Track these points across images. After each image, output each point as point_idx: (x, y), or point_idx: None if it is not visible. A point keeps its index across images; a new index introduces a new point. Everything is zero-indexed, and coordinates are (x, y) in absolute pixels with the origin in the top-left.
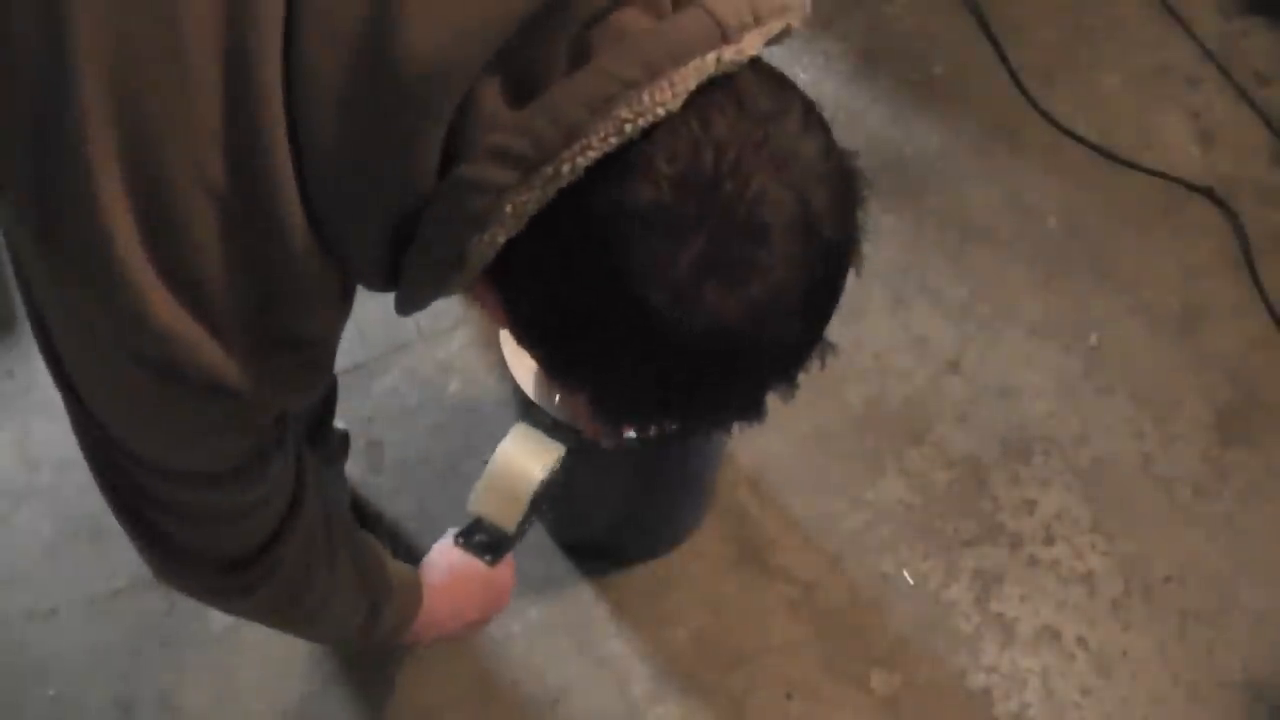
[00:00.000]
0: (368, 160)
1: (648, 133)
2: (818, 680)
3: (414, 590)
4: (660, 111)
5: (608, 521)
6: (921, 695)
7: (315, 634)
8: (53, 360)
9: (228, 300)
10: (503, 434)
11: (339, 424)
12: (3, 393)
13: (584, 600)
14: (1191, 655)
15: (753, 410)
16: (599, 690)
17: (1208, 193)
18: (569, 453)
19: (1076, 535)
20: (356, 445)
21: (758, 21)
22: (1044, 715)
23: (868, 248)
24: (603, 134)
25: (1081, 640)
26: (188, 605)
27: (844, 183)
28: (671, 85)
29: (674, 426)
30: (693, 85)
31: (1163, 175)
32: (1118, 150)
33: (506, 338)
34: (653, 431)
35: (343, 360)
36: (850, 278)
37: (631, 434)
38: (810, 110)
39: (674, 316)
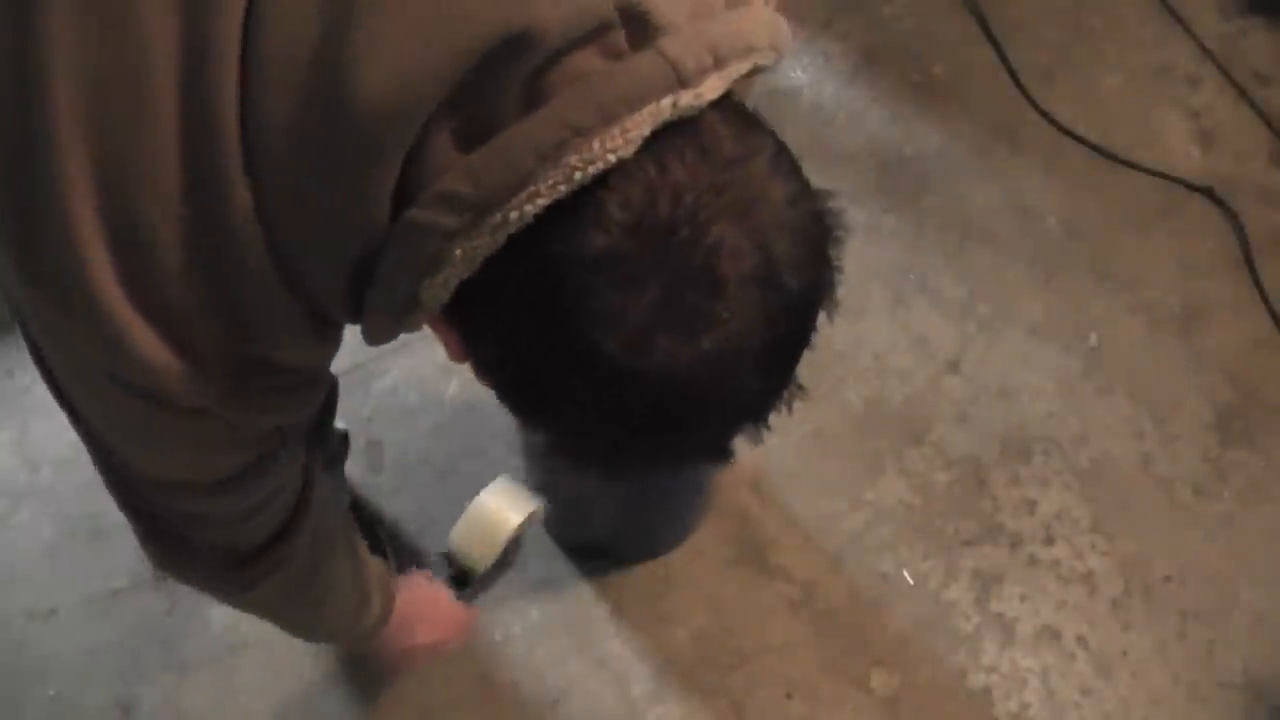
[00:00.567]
0: (322, 199)
1: (603, 178)
2: (818, 680)
3: (389, 590)
4: (611, 158)
5: (608, 522)
6: (921, 695)
7: (309, 628)
8: (46, 375)
9: (201, 329)
10: (503, 434)
11: (339, 424)
12: (3, 393)
13: (584, 600)
14: (1191, 655)
15: (719, 454)
16: (599, 690)
17: (1208, 193)
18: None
19: (1076, 535)
20: (356, 445)
21: (718, 64)
22: (1044, 715)
23: (868, 248)
24: (552, 181)
25: (1081, 640)
26: (188, 605)
27: (813, 229)
28: (624, 132)
29: (639, 470)
30: (646, 131)
31: (1163, 175)
32: (1118, 150)
33: None
34: (619, 475)
35: (343, 360)
36: (850, 279)
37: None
38: (780, 153)
39: (626, 365)
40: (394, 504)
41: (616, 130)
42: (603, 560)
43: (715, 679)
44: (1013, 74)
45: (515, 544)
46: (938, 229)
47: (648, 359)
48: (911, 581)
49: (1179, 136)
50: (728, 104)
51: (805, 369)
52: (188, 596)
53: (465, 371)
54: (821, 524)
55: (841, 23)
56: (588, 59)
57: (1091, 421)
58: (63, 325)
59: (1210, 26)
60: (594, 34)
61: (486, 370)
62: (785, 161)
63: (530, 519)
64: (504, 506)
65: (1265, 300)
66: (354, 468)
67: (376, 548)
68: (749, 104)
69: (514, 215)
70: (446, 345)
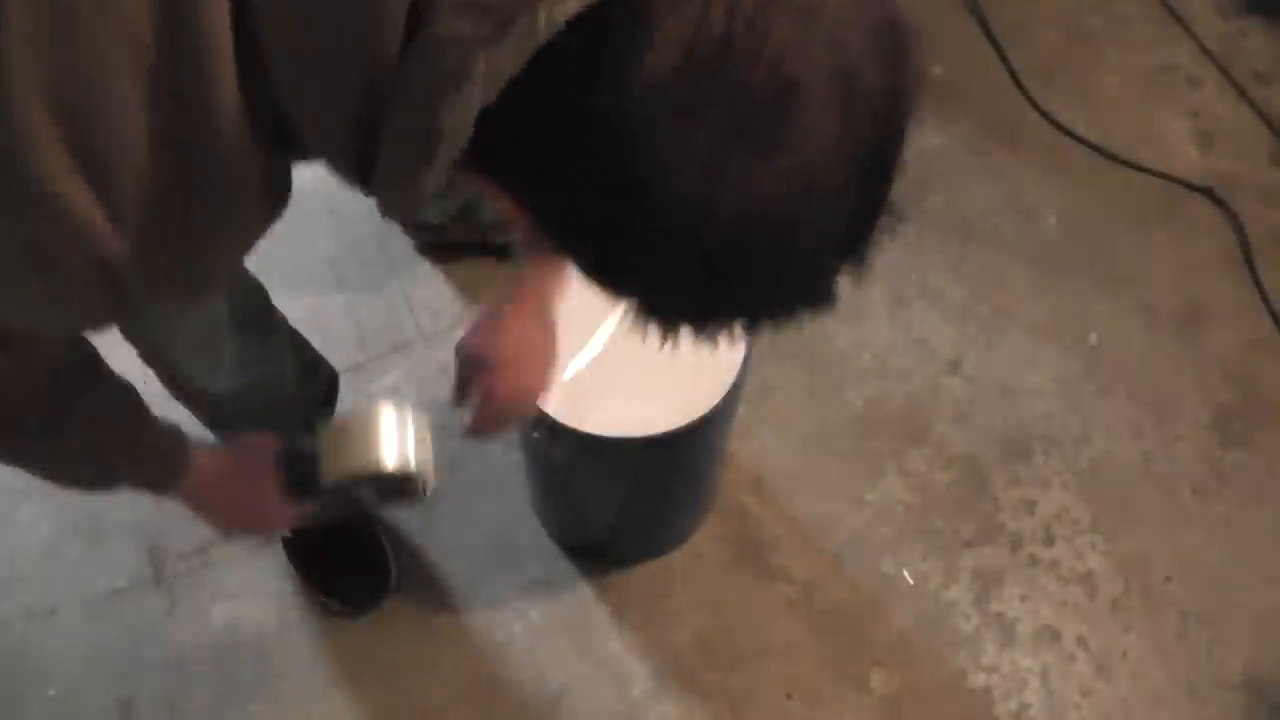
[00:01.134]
0: (326, 25)
1: None
2: (818, 680)
3: (169, 463)
4: None
5: (608, 522)
6: (921, 695)
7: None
8: None
9: (140, 181)
10: (503, 434)
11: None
12: None
13: (584, 600)
14: (1191, 655)
15: (821, 296)
16: (599, 690)
17: (1208, 193)
18: (425, 489)
19: (1076, 535)
20: None
21: None
22: (1044, 715)
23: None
24: None
25: (1081, 640)
26: (188, 605)
27: (887, 23)
28: None
29: (738, 324)
30: None
31: (1162, 175)
32: (1118, 150)
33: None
34: (717, 333)
35: (343, 360)
36: (849, 280)
37: (692, 336)
38: None
39: (702, 202)
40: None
41: None
42: (603, 560)
43: (715, 679)
44: (1013, 74)
45: (377, 481)
46: (938, 229)
47: (722, 189)
48: (911, 581)
49: (1179, 136)
50: None
51: (806, 369)
52: (188, 596)
53: None
54: (821, 524)
55: None
56: None
57: (1091, 421)
58: None
59: (1210, 26)
60: None
61: (553, 234)
62: None
63: (408, 471)
64: (395, 438)
65: (1265, 300)
66: None
67: (376, 547)
68: None
69: (542, 20)
70: (497, 202)
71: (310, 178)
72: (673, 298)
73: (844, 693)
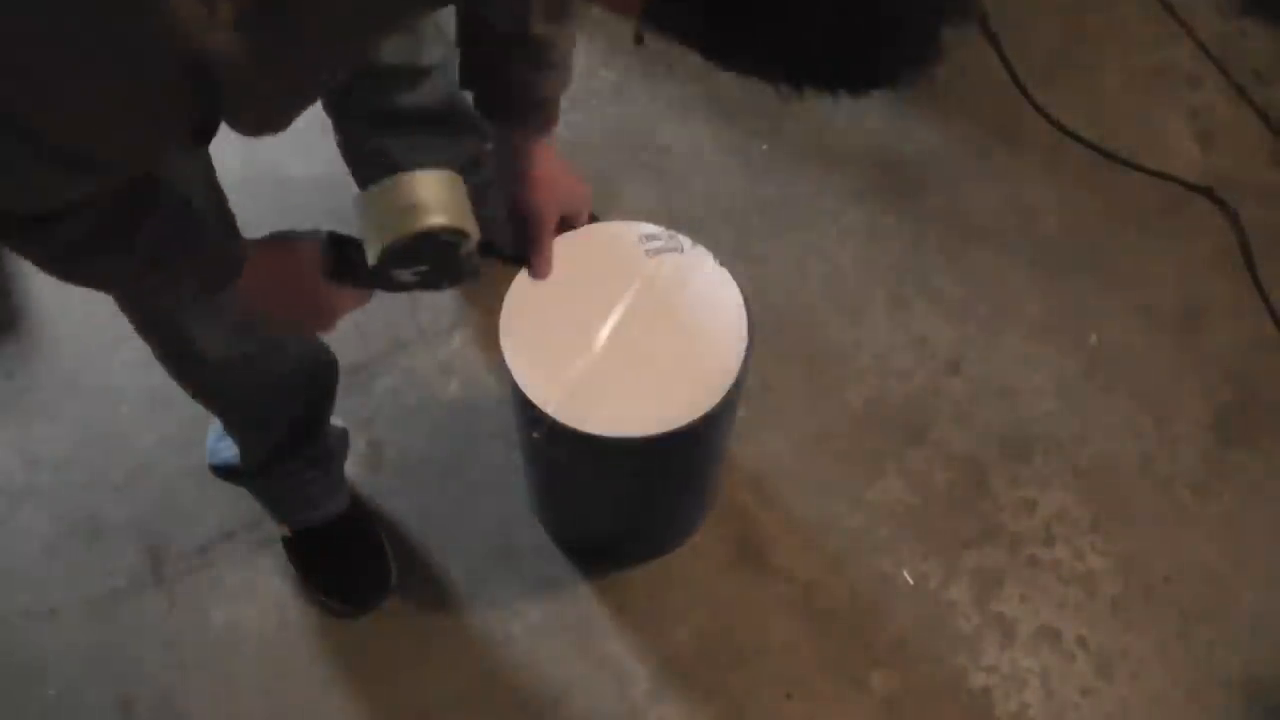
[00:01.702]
0: None
1: None
2: (818, 680)
3: (227, 265)
4: None
5: (608, 522)
6: (921, 695)
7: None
8: None
9: None
10: (504, 434)
11: (338, 422)
12: (3, 393)
13: (584, 600)
14: (1191, 655)
15: (929, 47)
16: (599, 690)
17: (1208, 193)
18: (474, 242)
19: (1076, 535)
20: (356, 445)
21: None
22: (1044, 715)
23: (868, 248)
24: None
25: (1081, 640)
26: (188, 605)
27: None
28: None
29: (838, 80)
30: None
31: (1162, 175)
32: (1118, 150)
33: (507, 336)
34: (823, 86)
35: (343, 360)
36: (850, 279)
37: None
38: None
39: None
40: (394, 504)
41: None
42: (603, 560)
43: (715, 679)
44: (1013, 74)
45: (438, 248)
46: (938, 229)
47: None
48: (911, 581)
49: (1179, 136)
50: None
51: (806, 369)
52: (188, 596)
53: (465, 371)
54: (821, 524)
55: None
56: None
57: (1091, 421)
58: None
59: (1210, 26)
60: None
61: None
62: None
63: (464, 227)
64: (440, 198)
65: (1265, 300)
66: (354, 468)
67: (375, 547)
68: None
69: None
70: None
71: (310, 178)
72: (780, 56)
73: (844, 693)
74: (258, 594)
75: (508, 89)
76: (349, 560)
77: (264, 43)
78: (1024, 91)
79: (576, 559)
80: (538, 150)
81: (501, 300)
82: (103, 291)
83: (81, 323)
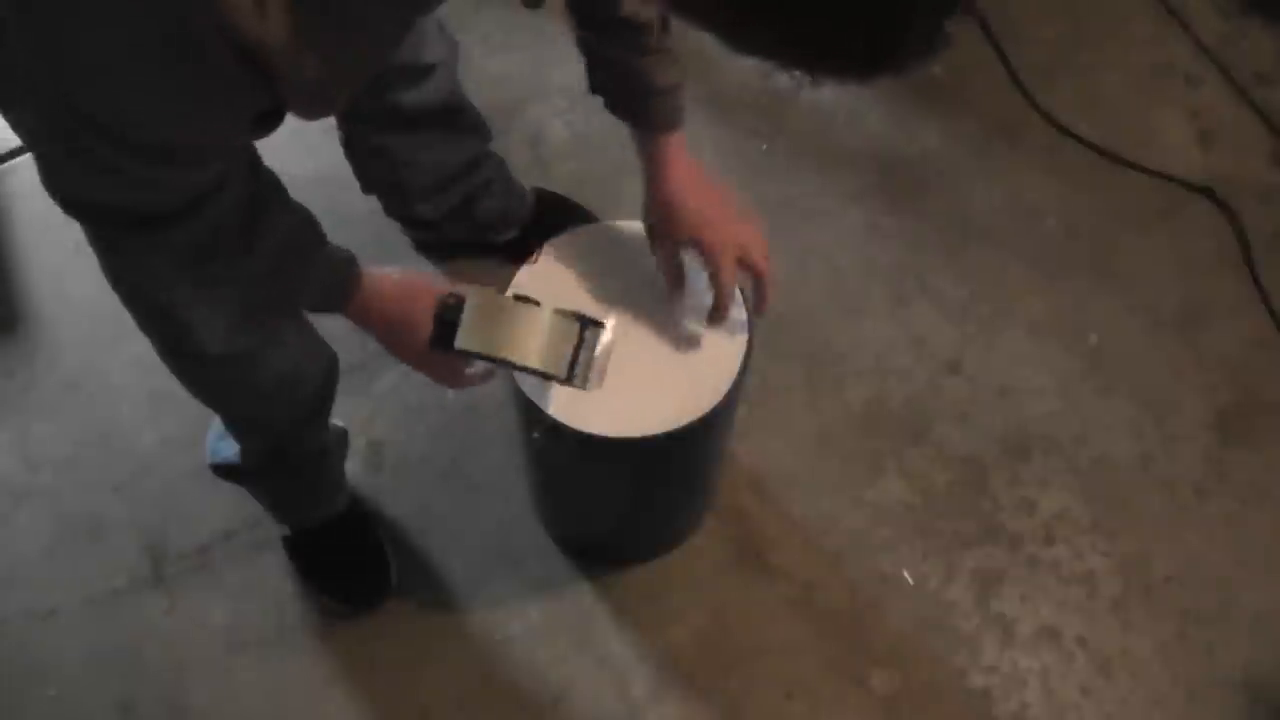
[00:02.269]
0: None
1: None
2: (818, 680)
3: (343, 285)
4: None
5: (608, 522)
6: (921, 695)
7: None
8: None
9: None
10: (503, 434)
11: (338, 422)
12: (3, 393)
13: (584, 600)
14: (1191, 655)
15: (937, 35)
16: (599, 690)
17: (1208, 193)
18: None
19: (1076, 535)
20: (356, 445)
21: None
22: (1044, 715)
23: (868, 248)
24: None
25: (1081, 640)
26: (188, 605)
27: None
28: None
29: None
30: None
31: (1163, 175)
32: (1118, 150)
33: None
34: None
35: (343, 360)
36: (850, 279)
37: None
38: None
39: None
40: (394, 504)
41: None
42: (603, 560)
43: (715, 679)
44: (1013, 74)
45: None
46: (938, 229)
47: None
48: (911, 581)
49: (1179, 136)
50: None
51: (805, 369)
52: (188, 596)
53: None
54: (821, 524)
55: None
56: None
57: (1091, 421)
58: None
59: (1210, 26)
60: None
61: None
62: None
63: (550, 372)
64: (555, 339)
65: (1265, 300)
66: (354, 468)
67: (376, 547)
68: None
69: None
70: None
71: (310, 178)
72: (792, 29)
73: (844, 693)
74: (258, 594)
75: (624, 80)
76: (349, 560)
77: (313, 29)
78: (1024, 91)
79: (576, 559)
80: (670, 155)
81: None
82: (227, 306)
83: (82, 323)
